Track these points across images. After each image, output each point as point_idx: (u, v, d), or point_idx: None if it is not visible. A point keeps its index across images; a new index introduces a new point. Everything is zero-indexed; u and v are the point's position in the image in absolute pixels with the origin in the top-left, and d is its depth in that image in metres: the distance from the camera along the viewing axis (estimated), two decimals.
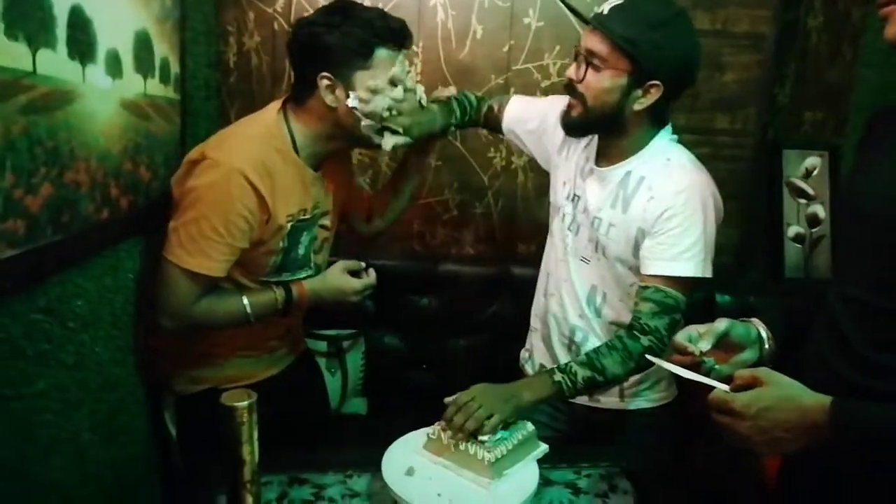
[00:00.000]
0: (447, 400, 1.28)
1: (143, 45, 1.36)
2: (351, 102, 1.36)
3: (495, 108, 1.65)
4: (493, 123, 1.66)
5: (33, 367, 1.05)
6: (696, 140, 2.00)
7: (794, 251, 2.11)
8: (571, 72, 1.35)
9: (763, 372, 0.94)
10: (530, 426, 1.28)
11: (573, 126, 1.40)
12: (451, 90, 1.62)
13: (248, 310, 1.38)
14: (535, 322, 1.64)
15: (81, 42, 1.08)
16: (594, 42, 1.30)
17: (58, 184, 1.03)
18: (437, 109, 1.53)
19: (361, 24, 1.34)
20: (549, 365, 1.58)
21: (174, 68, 1.58)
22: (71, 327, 1.16)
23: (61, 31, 1.01)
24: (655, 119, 1.39)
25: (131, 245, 1.40)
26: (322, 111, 1.38)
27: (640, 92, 1.31)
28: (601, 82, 1.31)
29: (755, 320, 1.12)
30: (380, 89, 1.36)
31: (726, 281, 2.05)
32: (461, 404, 1.25)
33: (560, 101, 1.49)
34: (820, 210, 2.09)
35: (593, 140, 1.47)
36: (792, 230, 2.11)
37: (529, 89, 2.07)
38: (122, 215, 1.30)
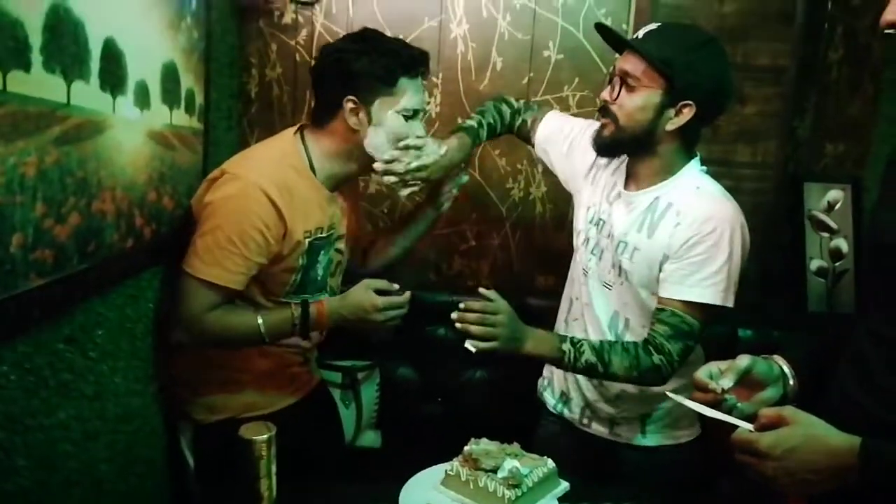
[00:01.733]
0: (483, 291, 1.35)
1: (170, 76, 1.39)
2: (372, 135, 1.42)
3: (529, 122, 1.66)
4: (525, 136, 1.68)
5: (55, 398, 1.05)
6: (717, 172, 1.94)
7: (817, 285, 2.08)
8: (606, 93, 1.38)
9: (789, 411, 0.92)
10: (551, 463, 1.26)
11: (605, 146, 1.42)
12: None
13: (262, 328, 1.37)
14: None
15: (113, 74, 1.10)
16: (629, 63, 1.34)
17: (85, 213, 1.05)
18: (456, 144, 1.53)
19: (388, 52, 1.41)
20: (570, 393, 1.58)
21: (199, 99, 1.60)
22: (92, 357, 1.16)
23: (95, 64, 1.03)
24: (686, 145, 1.41)
25: (152, 274, 1.40)
26: (345, 133, 1.43)
27: (672, 112, 1.34)
28: (634, 101, 1.34)
29: (777, 357, 1.11)
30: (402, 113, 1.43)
31: (748, 315, 2.02)
32: (487, 310, 1.31)
33: (592, 125, 1.51)
34: (843, 244, 2.07)
35: (622, 164, 1.48)
36: (814, 264, 2.08)
37: None
38: (145, 244, 1.31)
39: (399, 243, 1.76)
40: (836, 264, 2.07)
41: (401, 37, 1.98)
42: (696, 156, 1.44)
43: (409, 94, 1.43)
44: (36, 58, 0.88)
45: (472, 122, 1.59)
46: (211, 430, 1.46)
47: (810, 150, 2.09)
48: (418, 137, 1.45)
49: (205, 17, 1.62)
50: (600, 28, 1.44)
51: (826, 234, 2.08)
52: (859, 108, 2.07)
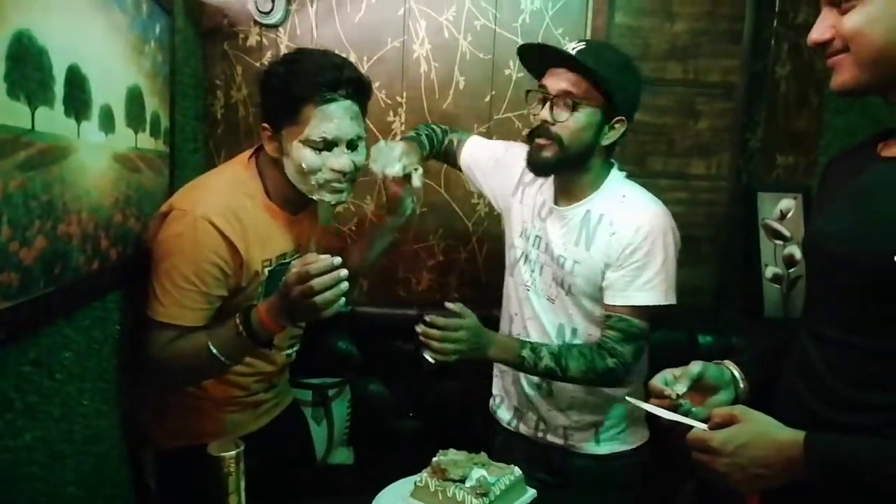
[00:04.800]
0: (449, 306, 1.40)
1: (135, 100, 1.40)
2: (287, 165, 1.36)
3: (455, 142, 1.71)
4: (451, 158, 1.72)
5: (21, 420, 1.04)
6: (673, 185, 2.06)
7: (772, 291, 2.15)
8: (546, 114, 1.39)
9: (739, 409, 0.97)
10: (518, 471, 1.29)
11: (548, 166, 1.44)
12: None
13: (211, 345, 1.26)
14: (503, 365, 1.64)
15: (78, 99, 1.11)
16: (569, 82, 1.37)
17: (51, 236, 1.05)
18: (409, 147, 1.54)
19: (295, 77, 1.30)
20: (524, 409, 1.61)
21: (164, 122, 1.61)
22: (59, 379, 1.16)
23: (59, 90, 1.04)
24: (609, 156, 1.48)
25: (119, 296, 1.40)
26: (273, 160, 1.38)
27: (607, 127, 1.40)
28: (579, 120, 1.38)
29: (728, 362, 1.16)
30: (311, 147, 1.32)
31: (707, 321, 2.08)
32: (450, 327, 1.37)
33: (514, 147, 1.59)
34: (796, 251, 2.14)
35: (549, 180, 1.53)
36: (769, 271, 2.16)
37: (511, 137, 2.10)
38: (111, 266, 1.31)
39: (364, 256, 1.72)
40: (790, 271, 2.14)
41: (364, 58, 2.06)
42: (615, 164, 1.50)
43: (313, 122, 1.30)
44: (0, 85, 0.89)
45: (413, 134, 1.62)
46: (173, 455, 1.44)
47: (762, 161, 2.18)
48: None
49: (169, 40, 1.64)
50: (529, 47, 1.46)
51: (780, 242, 2.16)
52: (807, 120, 2.16)
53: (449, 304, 1.41)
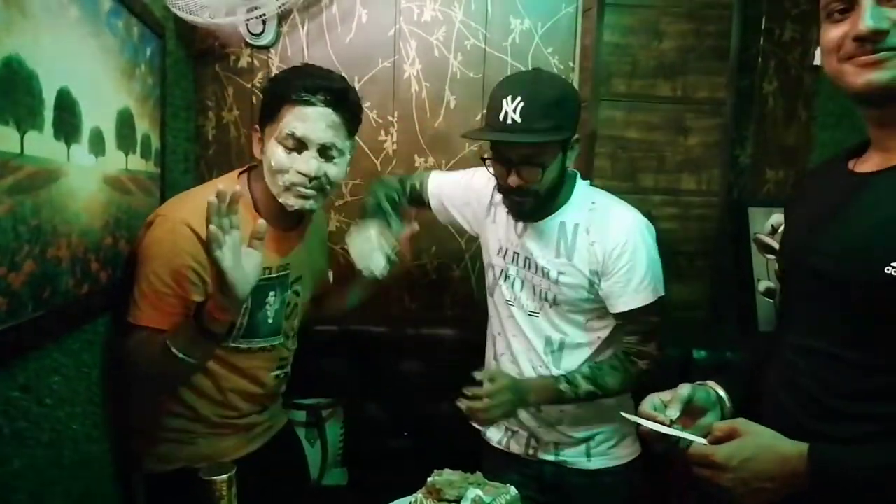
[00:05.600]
0: (478, 376, 1.40)
1: (125, 122, 1.40)
2: (265, 166, 1.37)
3: (417, 185, 1.71)
4: (417, 199, 1.72)
5: (9, 447, 1.03)
6: (665, 200, 2.06)
7: (765, 305, 2.15)
8: (514, 180, 1.38)
9: (741, 422, 0.96)
10: (513, 490, 1.27)
11: (531, 214, 1.47)
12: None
13: (169, 343, 1.22)
14: None
15: (67, 123, 1.11)
16: (525, 150, 1.36)
17: (40, 260, 1.04)
18: (381, 226, 1.55)
19: (284, 79, 1.38)
20: (515, 427, 1.61)
21: (155, 143, 1.62)
22: (48, 404, 1.15)
23: (48, 113, 1.04)
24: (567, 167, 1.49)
25: (109, 319, 1.39)
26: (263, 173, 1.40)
27: (569, 153, 1.43)
28: (549, 172, 1.39)
29: (711, 383, 1.16)
30: (282, 144, 1.34)
31: (701, 336, 2.08)
32: (491, 395, 1.38)
33: (479, 171, 1.59)
34: None
35: None
36: (762, 285, 2.16)
37: None
38: (101, 289, 1.30)
39: (355, 293, 1.75)
40: None
41: (356, 77, 2.07)
42: (577, 173, 1.53)
43: (286, 119, 1.32)
44: None
45: (374, 203, 1.62)
46: (164, 479, 1.42)
47: (752, 176, 2.20)
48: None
49: (160, 62, 1.65)
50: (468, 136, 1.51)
51: (771, 256, 2.16)
52: (795, 135, 2.19)
53: (477, 375, 1.41)
